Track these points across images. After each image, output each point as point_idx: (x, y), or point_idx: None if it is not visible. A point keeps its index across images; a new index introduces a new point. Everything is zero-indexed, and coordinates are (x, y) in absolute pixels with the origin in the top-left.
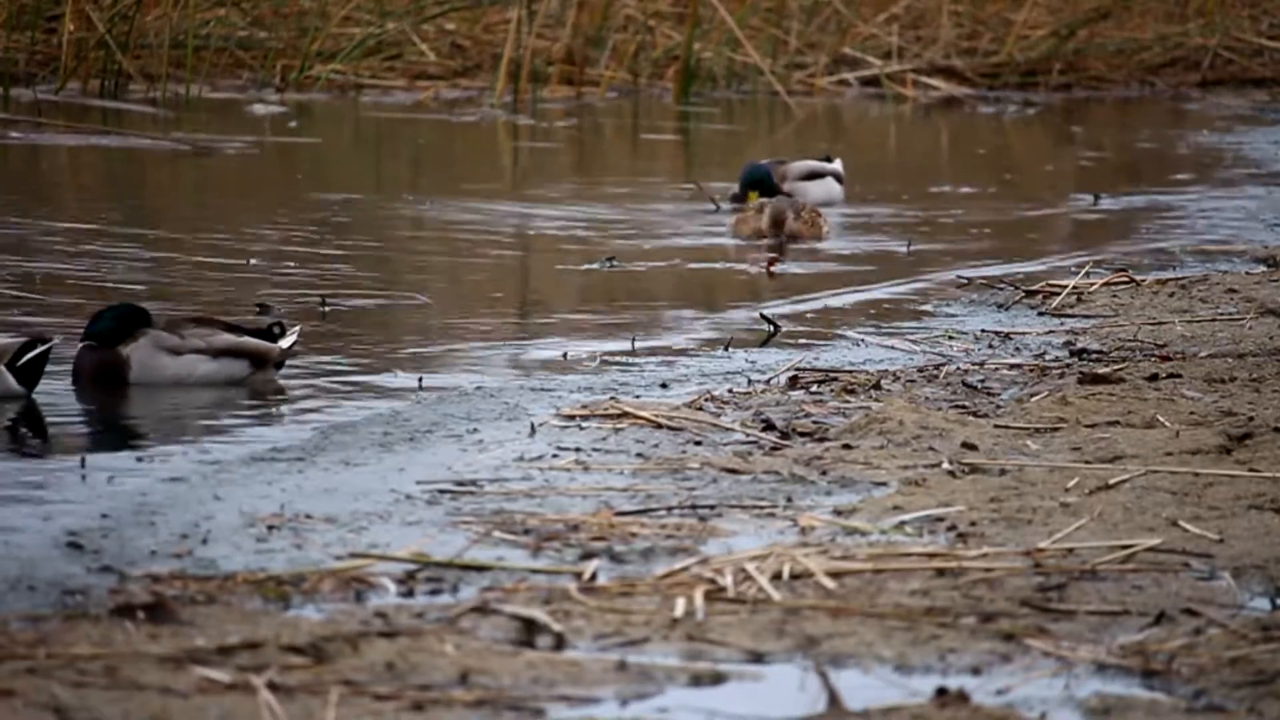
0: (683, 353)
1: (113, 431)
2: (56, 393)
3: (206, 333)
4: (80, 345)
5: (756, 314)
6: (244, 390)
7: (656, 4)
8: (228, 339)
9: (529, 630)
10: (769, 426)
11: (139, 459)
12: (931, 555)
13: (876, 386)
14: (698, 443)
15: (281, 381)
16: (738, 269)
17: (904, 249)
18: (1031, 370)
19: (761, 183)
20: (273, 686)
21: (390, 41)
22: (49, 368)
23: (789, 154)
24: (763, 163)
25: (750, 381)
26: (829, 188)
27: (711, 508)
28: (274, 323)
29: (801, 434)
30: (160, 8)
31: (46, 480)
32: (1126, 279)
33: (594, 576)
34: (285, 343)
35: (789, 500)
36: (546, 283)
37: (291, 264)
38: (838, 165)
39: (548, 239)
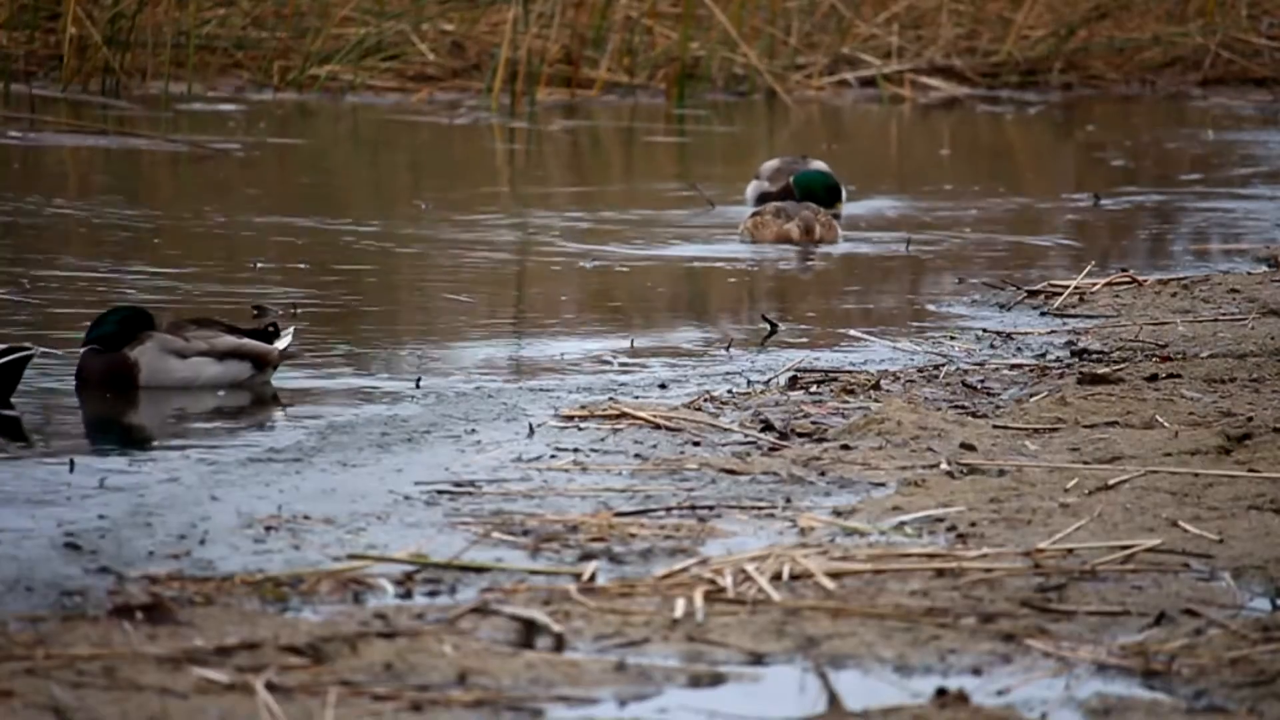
0: (682, 353)
1: (109, 433)
2: (54, 396)
3: (209, 334)
4: (84, 349)
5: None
6: (240, 391)
7: (655, 4)
8: (230, 340)
9: (528, 631)
10: (768, 427)
11: (135, 460)
12: (931, 556)
13: (876, 387)
14: (696, 443)
15: (278, 383)
16: (738, 268)
17: (903, 249)
18: (1032, 370)
19: (814, 187)
20: (271, 687)
21: (390, 41)
22: (51, 372)
23: (781, 156)
24: (778, 162)
25: (749, 382)
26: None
27: (710, 508)
28: (269, 324)
29: (800, 435)
30: (160, 7)
31: (43, 482)
32: (1129, 279)
33: (593, 577)
34: (282, 344)
35: (788, 501)
36: (545, 284)
37: (286, 264)
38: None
39: (546, 240)
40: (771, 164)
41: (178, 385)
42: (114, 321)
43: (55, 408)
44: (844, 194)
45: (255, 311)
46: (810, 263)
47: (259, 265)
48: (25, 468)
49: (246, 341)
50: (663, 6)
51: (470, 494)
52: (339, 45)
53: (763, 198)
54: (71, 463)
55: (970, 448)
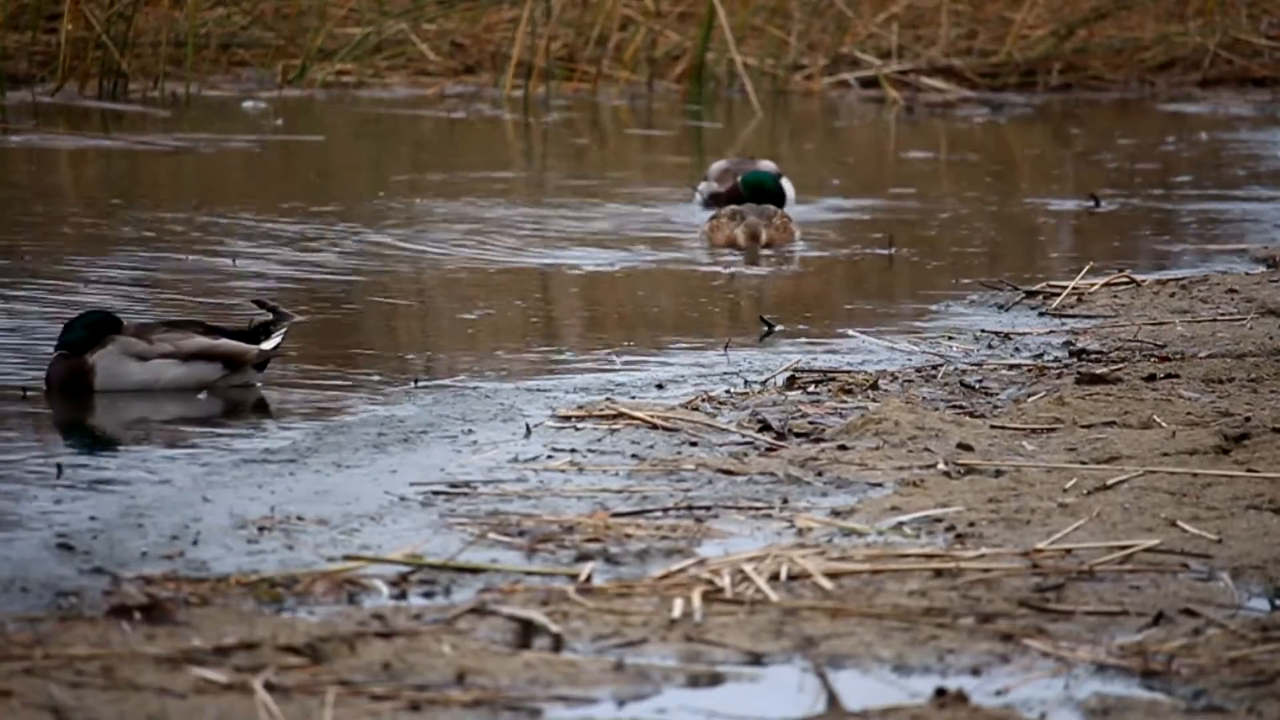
0: (679, 353)
1: (99, 435)
2: (40, 400)
3: (178, 336)
4: (54, 354)
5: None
6: (235, 392)
7: (659, 3)
8: (199, 342)
9: (526, 631)
10: (765, 427)
11: (126, 462)
12: (929, 556)
13: (874, 387)
14: (694, 444)
15: (274, 383)
16: (733, 269)
17: (894, 249)
18: (1030, 370)
19: (762, 186)
20: (270, 687)
21: (391, 41)
22: (34, 378)
23: (771, 154)
24: (725, 163)
25: (746, 382)
26: (788, 188)
27: (707, 509)
28: (258, 324)
29: (798, 435)
30: (159, 6)
31: (32, 484)
32: (1127, 279)
33: (590, 578)
34: (268, 344)
35: (785, 501)
36: (542, 283)
37: (284, 264)
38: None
39: (544, 239)
40: (719, 165)
41: (136, 388)
42: (81, 326)
43: (43, 412)
44: (790, 194)
45: (257, 306)
46: (805, 265)
47: (236, 263)
48: (12, 470)
49: (222, 342)
50: (664, 6)
51: (466, 495)
52: (340, 44)
53: (712, 198)
54: (59, 466)
55: (968, 448)
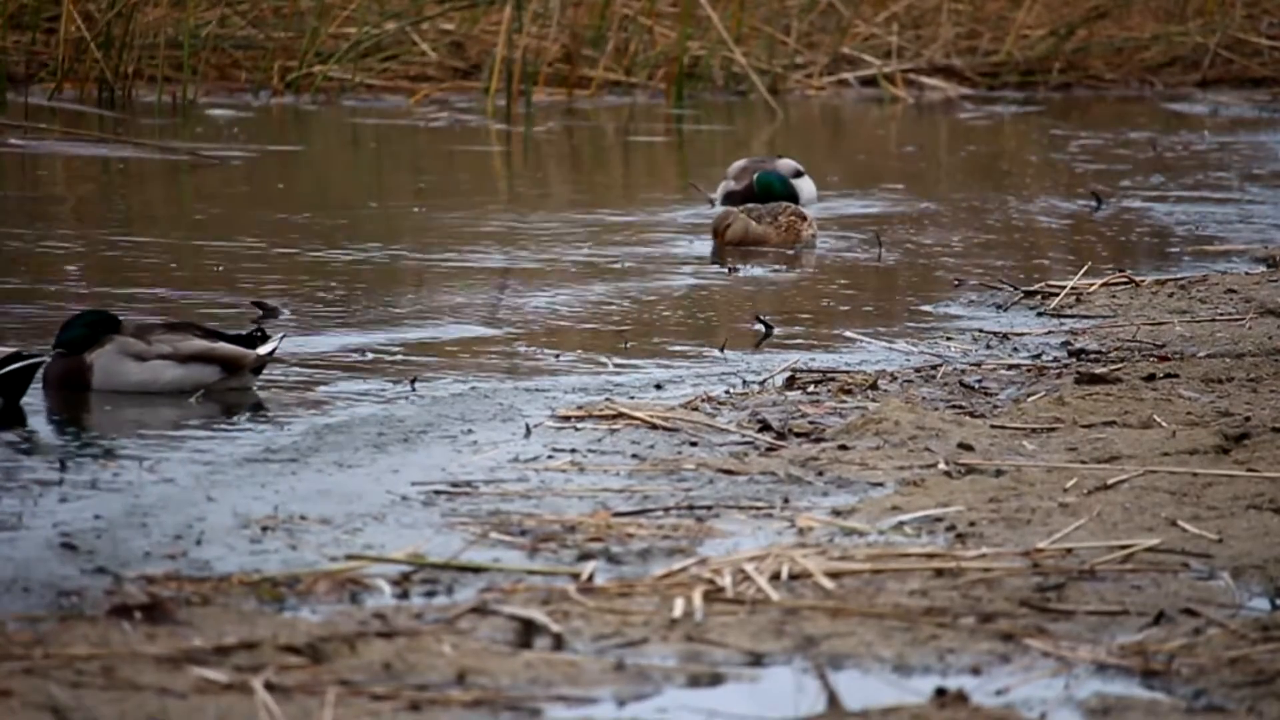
0: (677, 354)
1: (103, 435)
2: (40, 399)
3: (177, 338)
4: (53, 353)
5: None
6: (234, 393)
7: (654, 4)
8: (197, 344)
9: (527, 631)
10: (765, 427)
11: (130, 461)
12: (930, 556)
13: (873, 387)
14: (694, 444)
15: (276, 384)
16: (732, 269)
17: (888, 248)
18: (1029, 370)
19: (769, 187)
20: (270, 686)
21: (390, 41)
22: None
23: (772, 154)
24: (745, 161)
25: (745, 382)
26: (810, 187)
27: (708, 508)
28: (256, 328)
29: (798, 434)
30: (158, 8)
31: (36, 483)
32: (1126, 279)
33: (591, 577)
34: (265, 349)
35: (785, 501)
36: (540, 284)
37: (283, 265)
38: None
39: (539, 241)
40: (739, 164)
41: (134, 389)
42: (81, 325)
43: (45, 412)
44: (809, 193)
45: (257, 307)
46: (804, 264)
47: (221, 268)
48: (14, 469)
49: (220, 345)
50: (662, 6)
51: (467, 494)
52: (338, 46)
53: (729, 196)
54: (63, 463)
55: (968, 447)
